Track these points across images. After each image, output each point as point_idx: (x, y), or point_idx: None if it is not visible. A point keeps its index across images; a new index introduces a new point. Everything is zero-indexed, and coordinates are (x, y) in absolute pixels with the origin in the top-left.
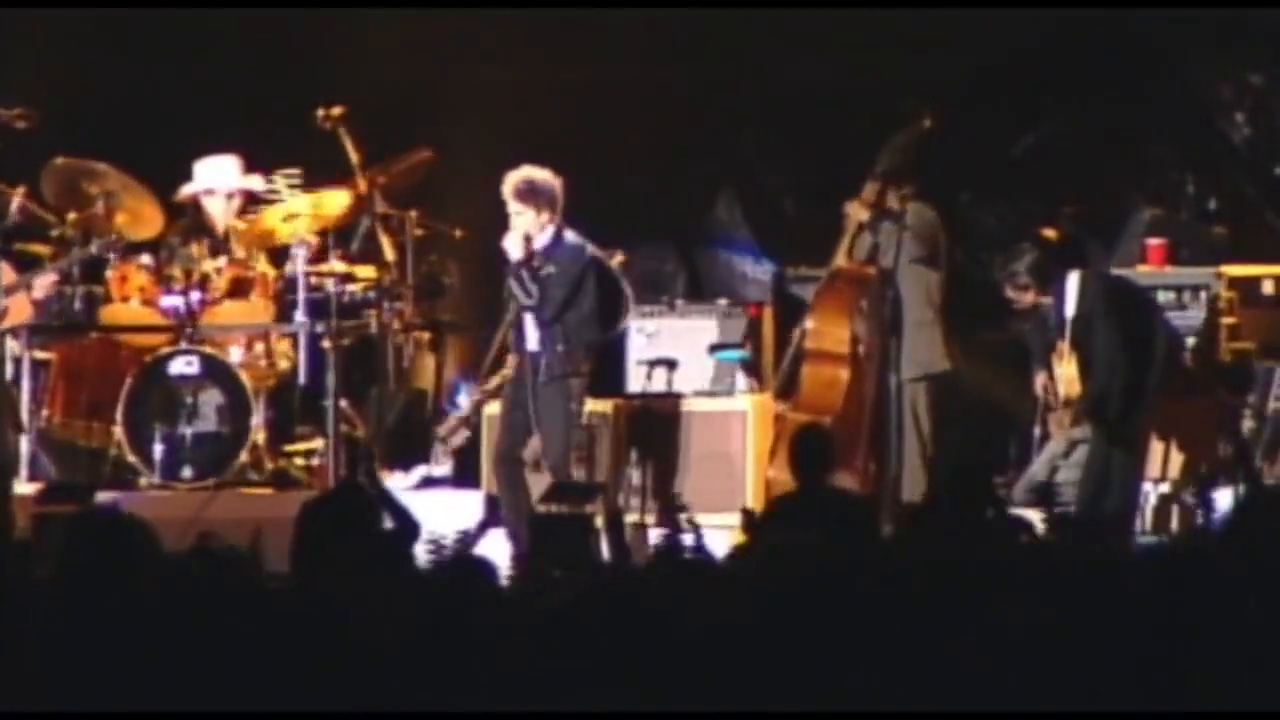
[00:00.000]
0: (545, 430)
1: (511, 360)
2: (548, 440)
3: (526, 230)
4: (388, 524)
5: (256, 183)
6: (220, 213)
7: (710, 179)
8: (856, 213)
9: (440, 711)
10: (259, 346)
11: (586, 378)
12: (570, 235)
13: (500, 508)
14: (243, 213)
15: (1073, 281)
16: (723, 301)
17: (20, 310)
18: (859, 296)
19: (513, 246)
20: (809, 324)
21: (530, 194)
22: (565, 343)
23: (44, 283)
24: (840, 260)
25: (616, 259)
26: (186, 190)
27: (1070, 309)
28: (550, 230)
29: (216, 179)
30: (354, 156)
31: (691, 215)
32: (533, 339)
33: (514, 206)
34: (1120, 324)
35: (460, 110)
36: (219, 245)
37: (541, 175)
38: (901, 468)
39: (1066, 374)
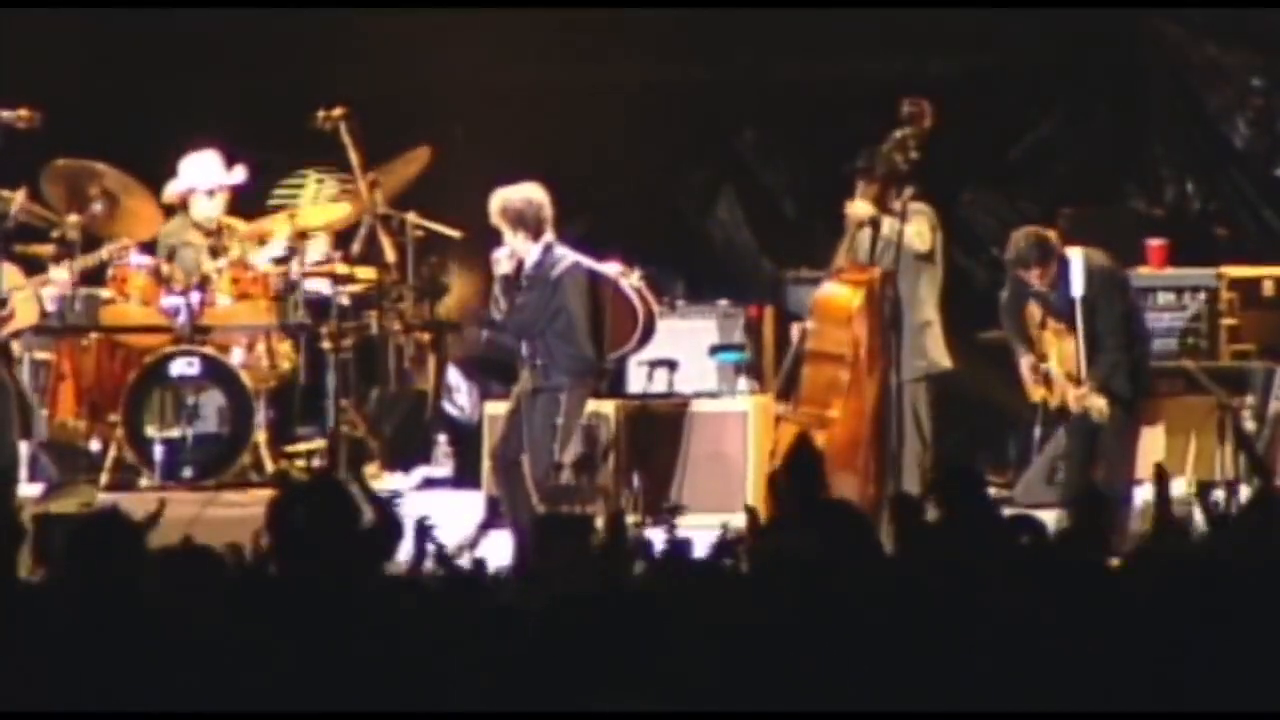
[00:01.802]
0: (529, 440)
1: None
2: (530, 450)
3: (514, 249)
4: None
5: (239, 176)
6: (204, 210)
7: (710, 179)
8: (857, 213)
9: (440, 712)
10: (260, 347)
11: (582, 391)
12: (558, 251)
13: (500, 508)
14: (232, 208)
15: (1077, 262)
16: (723, 302)
17: (28, 314)
18: (860, 297)
19: (498, 261)
20: (810, 324)
21: (505, 216)
22: (548, 357)
23: (61, 280)
24: (840, 260)
25: (634, 276)
26: (170, 190)
27: (1077, 289)
28: (536, 248)
29: (196, 176)
30: (354, 157)
31: (691, 215)
32: (525, 347)
33: (500, 226)
34: (1124, 306)
35: (460, 110)
36: (216, 245)
37: (516, 195)
38: (902, 469)
39: (1069, 353)
